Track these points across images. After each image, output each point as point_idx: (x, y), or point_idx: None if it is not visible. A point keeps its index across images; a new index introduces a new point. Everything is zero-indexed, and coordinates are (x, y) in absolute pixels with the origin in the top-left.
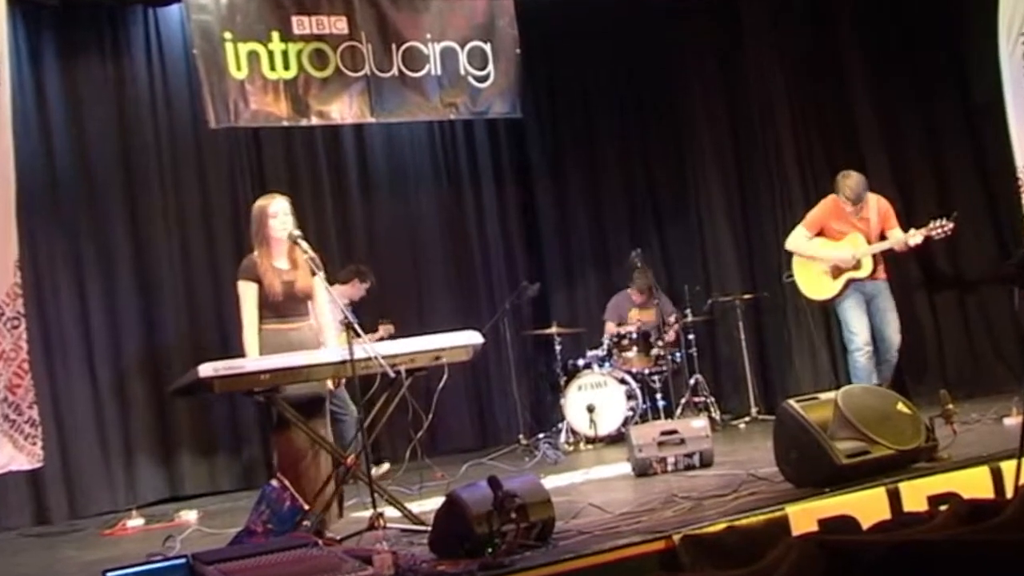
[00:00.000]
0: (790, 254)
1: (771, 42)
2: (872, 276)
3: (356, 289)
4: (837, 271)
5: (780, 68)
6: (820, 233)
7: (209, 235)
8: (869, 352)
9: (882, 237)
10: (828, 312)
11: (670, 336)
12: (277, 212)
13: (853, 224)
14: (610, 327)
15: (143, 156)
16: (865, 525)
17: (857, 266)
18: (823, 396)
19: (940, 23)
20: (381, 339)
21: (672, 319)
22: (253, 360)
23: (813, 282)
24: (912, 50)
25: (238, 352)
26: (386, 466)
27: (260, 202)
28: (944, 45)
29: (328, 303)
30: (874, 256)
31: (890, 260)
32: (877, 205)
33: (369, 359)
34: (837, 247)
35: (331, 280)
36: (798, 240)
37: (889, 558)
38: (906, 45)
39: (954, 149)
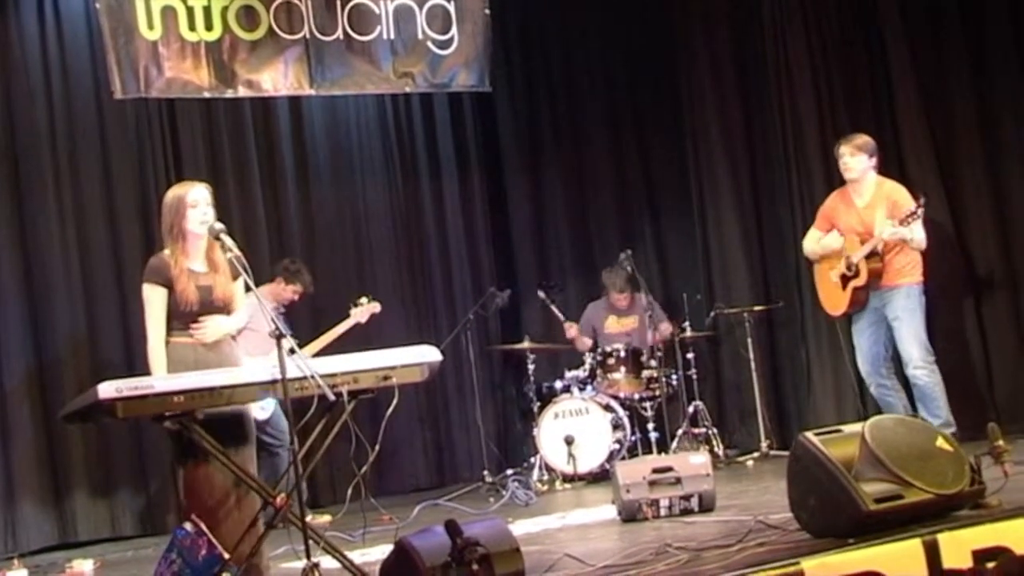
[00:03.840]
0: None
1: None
2: (881, 283)
3: (280, 290)
4: (844, 279)
5: (804, 34)
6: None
7: (113, 230)
8: (878, 383)
9: None
10: None
11: (653, 340)
12: (198, 201)
13: (858, 218)
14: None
15: (32, 135)
16: None
17: (856, 273)
18: (847, 429)
19: None
20: None
21: (663, 326)
22: (164, 379)
23: (827, 293)
24: (969, 16)
25: (145, 370)
26: (327, 517)
27: (176, 190)
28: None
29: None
30: (878, 258)
31: (930, 258)
32: (888, 193)
33: (304, 379)
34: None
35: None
36: (807, 241)
37: None
38: (962, 7)
39: (1019, 137)
